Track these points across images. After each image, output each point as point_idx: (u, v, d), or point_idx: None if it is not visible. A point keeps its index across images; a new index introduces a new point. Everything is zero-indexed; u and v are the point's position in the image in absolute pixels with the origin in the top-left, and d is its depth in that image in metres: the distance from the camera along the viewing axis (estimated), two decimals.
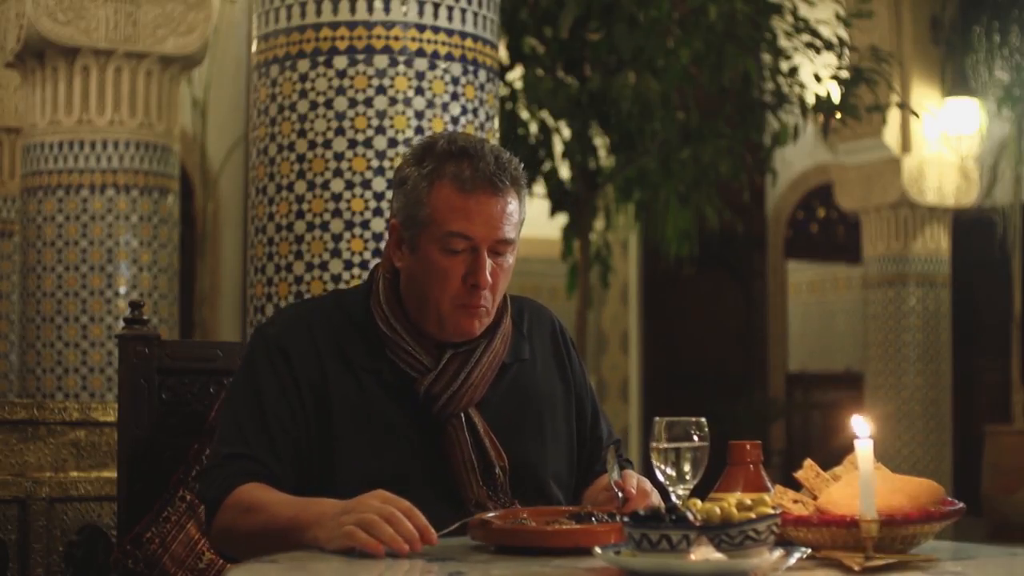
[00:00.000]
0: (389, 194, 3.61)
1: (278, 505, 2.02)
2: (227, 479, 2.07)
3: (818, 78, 7.51)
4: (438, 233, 2.09)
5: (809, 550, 1.70)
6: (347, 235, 3.62)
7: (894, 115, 9.50)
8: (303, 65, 3.68)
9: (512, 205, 2.12)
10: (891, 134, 9.82)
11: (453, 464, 2.11)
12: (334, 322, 2.18)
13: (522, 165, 2.18)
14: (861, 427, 1.71)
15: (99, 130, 6.18)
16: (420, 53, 3.66)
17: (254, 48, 3.86)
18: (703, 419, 1.97)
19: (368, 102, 3.64)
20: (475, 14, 3.75)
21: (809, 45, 7.52)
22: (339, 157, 3.64)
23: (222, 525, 2.07)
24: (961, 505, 1.80)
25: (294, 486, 2.09)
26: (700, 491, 1.91)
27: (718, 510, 1.62)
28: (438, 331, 2.13)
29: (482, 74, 3.77)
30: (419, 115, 3.65)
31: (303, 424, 2.11)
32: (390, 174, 3.62)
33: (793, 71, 7.60)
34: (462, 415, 2.13)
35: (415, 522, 1.82)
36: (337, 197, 3.63)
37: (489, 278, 2.09)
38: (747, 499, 1.69)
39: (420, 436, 2.12)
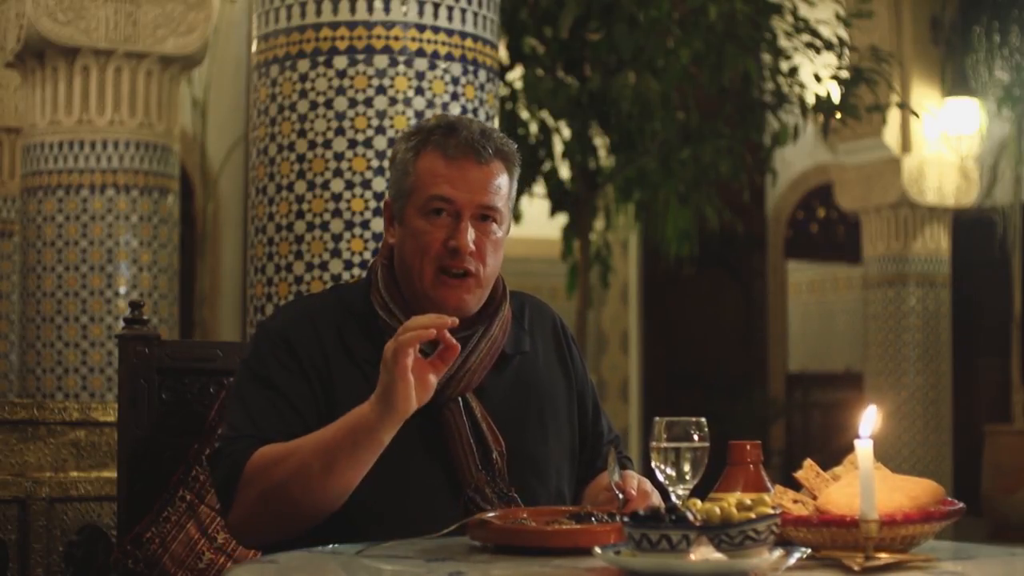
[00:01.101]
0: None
1: (318, 434, 2.01)
2: (237, 454, 2.04)
3: (818, 78, 7.51)
4: (421, 199, 2.11)
5: (809, 550, 1.70)
6: (347, 235, 3.62)
7: (894, 115, 9.50)
8: (303, 65, 3.68)
9: (499, 178, 2.13)
10: (891, 134, 9.81)
11: (452, 449, 2.12)
12: (335, 315, 2.18)
13: (515, 145, 2.19)
14: (872, 419, 1.71)
15: (99, 130, 6.18)
16: (420, 53, 3.66)
17: (254, 48, 3.86)
18: (703, 419, 1.97)
19: (368, 102, 3.64)
20: (475, 14, 3.75)
21: (809, 45, 7.52)
22: (339, 157, 3.64)
23: (252, 494, 2.02)
24: (961, 505, 1.80)
25: None
26: (700, 491, 1.91)
27: (718, 510, 1.62)
28: (430, 306, 2.12)
29: (482, 74, 3.77)
30: (419, 115, 3.65)
31: (312, 408, 2.10)
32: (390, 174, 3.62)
33: (793, 71, 7.60)
34: (460, 400, 2.13)
35: (421, 321, 1.94)
36: (337, 197, 3.63)
37: (471, 244, 2.09)
38: (747, 499, 1.69)
39: (419, 421, 2.12)
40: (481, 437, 2.13)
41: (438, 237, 2.10)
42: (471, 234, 2.10)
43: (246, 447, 2.04)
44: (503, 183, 2.14)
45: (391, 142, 3.62)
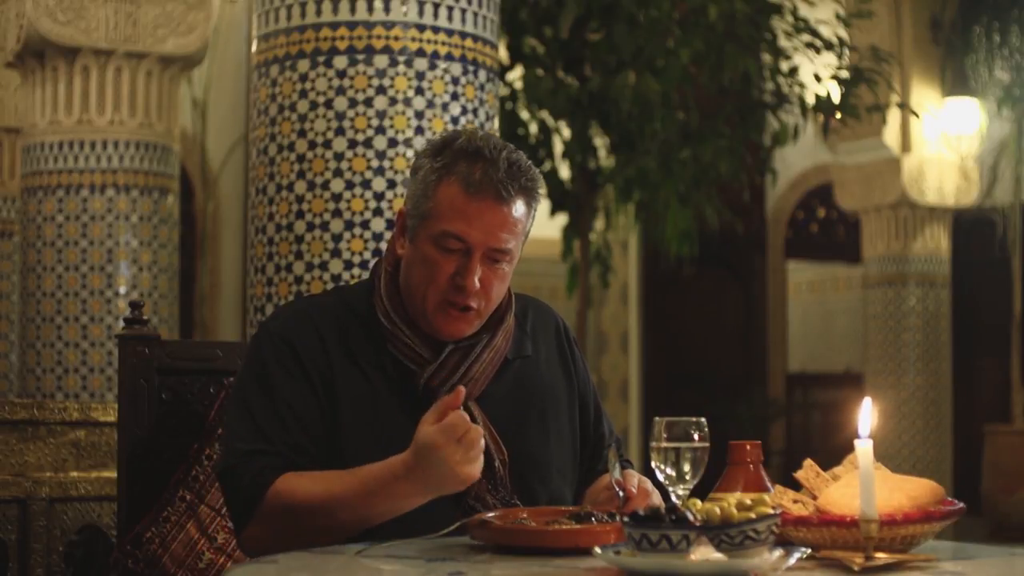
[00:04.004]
0: (389, 194, 3.62)
1: (337, 489, 2.01)
2: (258, 475, 2.04)
3: (818, 78, 7.51)
4: (436, 229, 2.09)
5: (809, 550, 1.70)
6: (347, 235, 3.62)
7: (894, 115, 9.50)
8: (303, 65, 3.68)
9: (516, 215, 2.11)
10: (891, 134, 9.81)
11: None
12: (337, 317, 2.18)
13: (540, 176, 2.16)
14: (868, 413, 1.71)
15: (99, 130, 6.18)
16: (420, 53, 3.66)
17: (254, 48, 3.86)
18: (703, 419, 1.97)
19: (368, 102, 3.64)
20: (475, 14, 3.75)
21: (809, 45, 7.52)
22: (339, 157, 3.64)
23: (272, 522, 2.03)
24: (961, 505, 1.80)
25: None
26: (700, 491, 1.91)
27: (718, 510, 1.62)
28: (428, 329, 2.14)
29: (482, 74, 3.77)
30: (419, 115, 3.65)
31: (316, 412, 2.10)
32: (390, 174, 3.62)
33: (793, 71, 7.60)
34: (462, 409, 2.13)
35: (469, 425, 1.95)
36: (337, 197, 3.63)
37: (477, 283, 2.09)
38: (747, 499, 1.69)
39: None
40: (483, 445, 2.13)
41: (447, 271, 2.09)
42: (478, 273, 2.09)
43: (266, 470, 2.04)
44: (521, 218, 2.12)
45: (391, 142, 3.63)
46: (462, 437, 1.92)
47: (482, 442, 1.94)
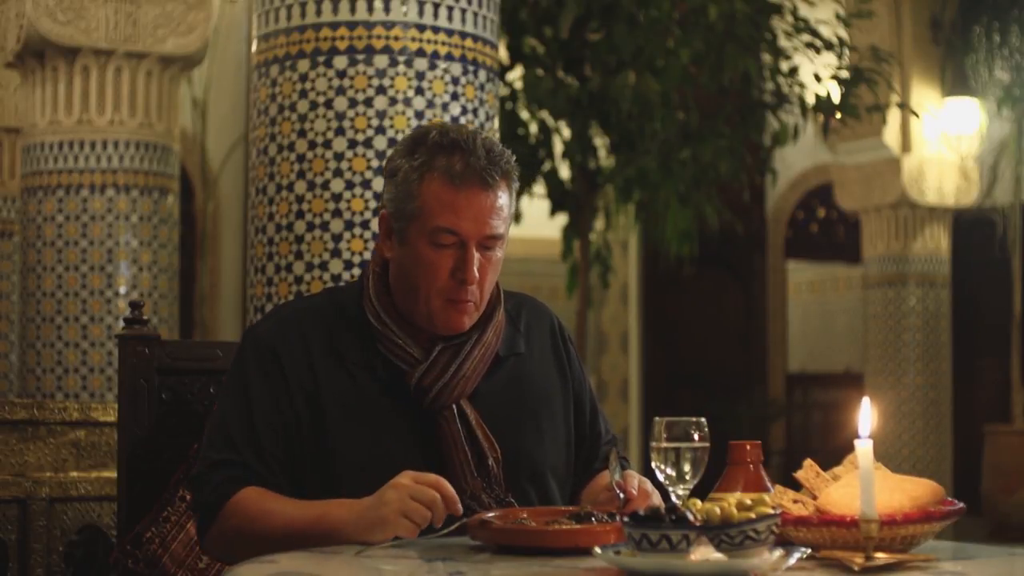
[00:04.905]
0: None
1: (292, 510, 2.03)
2: (220, 486, 2.08)
3: (818, 78, 7.51)
4: (427, 227, 2.10)
5: (809, 550, 1.70)
6: (347, 235, 3.62)
7: (894, 115, 9.50)
8: (303, 65, 3.68)
9: (502, 199, 2.12)
10: (891, 134, 9.81)
11: (447, 456, 2.12)
12: (327, 319, 2.18)
13: (514, 157, 2.17)
14: (867, 413, 1.71)
15: (99, 130, 6.18)
16: (420, 53, 3.66)
17: (254, 48, 3.86)
18: (703, 419, 1.97)
19: (368, 102, 3.64)
20: (475, 14, 3.75)
21: (809, 45, 7.52)
22: (339, 157, 3.64)
23: (224, 532, 2.07)
24: (961, 505, 1.80)
25: (285, 489, 2.09)
26: (700, 491, 1.91)
27: (718, 510, 1.62)
28: (428, 325, 2.14)
29: (482, 74, 3.77)
30: (419, 115, 3.65)
31: (293, 426, 2.12)
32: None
33: (793, 71, 7.60)
34: (454, 407, 2.13)
35: (444, 492, 1.91)
36: (337, 197, 3.63)
37: (476, 273, 2.10)
38: (747, 499, 1.69)
39: (414, 429, 2.12)
40: (476, 444, 2.13)
41: (445, 267, 2.10)
42: (477, 263, 2.10)
43: (227, 482, 2.08)
44: (506, 203, 2.13)
45: (391, 142, 3.62)
46: (423, 495, 1.91)
47: (428, 518, 1.91)
